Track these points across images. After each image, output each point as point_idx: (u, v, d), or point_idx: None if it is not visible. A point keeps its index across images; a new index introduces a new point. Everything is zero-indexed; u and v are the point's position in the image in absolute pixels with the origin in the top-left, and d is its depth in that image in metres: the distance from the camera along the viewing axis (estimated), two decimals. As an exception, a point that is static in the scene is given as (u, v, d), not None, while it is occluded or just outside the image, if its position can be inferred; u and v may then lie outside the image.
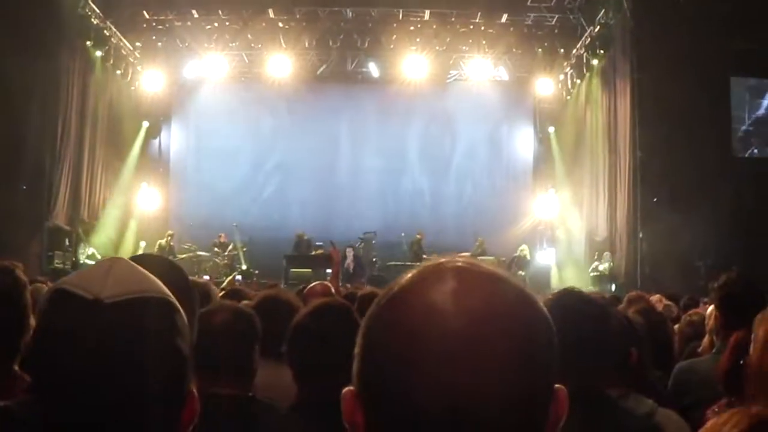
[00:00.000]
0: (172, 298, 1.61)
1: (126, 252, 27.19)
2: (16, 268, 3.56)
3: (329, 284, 7.52)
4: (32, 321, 3.31)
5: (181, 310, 1.62)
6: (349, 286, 18.53)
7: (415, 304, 1.22)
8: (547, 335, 1.25)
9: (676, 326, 6.89)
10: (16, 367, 3.26)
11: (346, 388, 1.28)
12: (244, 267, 26.88)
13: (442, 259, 1.32)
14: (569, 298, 3.25)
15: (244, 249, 27.54)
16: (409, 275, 1.30)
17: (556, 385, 1.26)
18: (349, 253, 25.03)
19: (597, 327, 3.16)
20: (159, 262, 1.97)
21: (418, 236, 27.20)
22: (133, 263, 1.63)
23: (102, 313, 1.48)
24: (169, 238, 26.86)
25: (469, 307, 1.20)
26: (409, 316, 1.21)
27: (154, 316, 1.55)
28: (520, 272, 25.68)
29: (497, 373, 1.18)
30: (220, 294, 6.52)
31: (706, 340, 5.44)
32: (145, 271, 1.62)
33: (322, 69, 29.81)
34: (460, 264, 1.29)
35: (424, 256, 26.59)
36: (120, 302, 1.51)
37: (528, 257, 26.98)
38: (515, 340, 1.20)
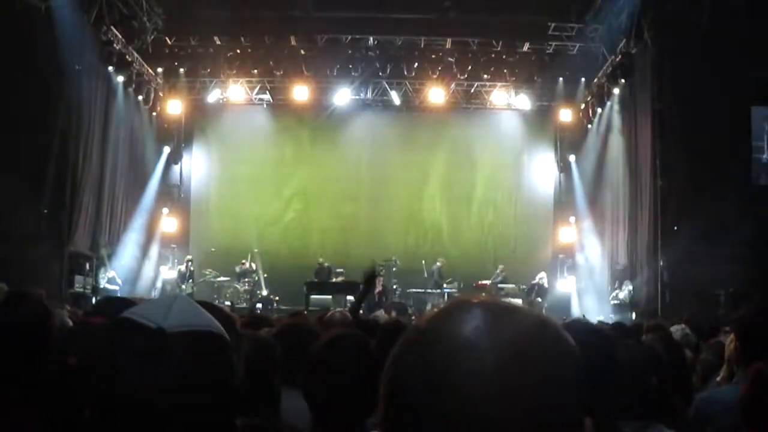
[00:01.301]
0: (227, 336, 1.66)
1: (146, 278, 27.33)
2: (41, 297, 3.59)
3: (348, 313, 7.48)
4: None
5: (233, 348, 1.68)
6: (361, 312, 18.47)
7: (446, 340, 1.19)
8: (576, 368, 1.23)
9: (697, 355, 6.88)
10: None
11: None
12: (264, 293, 26.92)
13: (464, 296, 1.31)
14: (575, 329, 3.24)
15: (265, 275, 27.60)
16: (434, 312, 1.27)
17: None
18: (378, 280, 24.93)
19: (603, 358, 3.14)
20: (207, 306, 2.03)
21: (438, 264, 27.19)
22: (192, 299, 1.69)
23: (165, 342, 1.53)
24: (189, 263, 26.93)
25: (502, 341, 1.17)
26: (441, 353, 1.17)
27: (212, 349, 1.61)
28: (539, 299, 25.69)
29: (534, 407, 1.15)
30: (241, 321, 6.51)
31: (724, 369, 5.41)
32: (202, 308, 1.68)
33: (343, 96, 29.88)
34: (483, 299, 1.26)
35: (445, 283, 26.58)
36: (182, 333, 1.56)
37: (546, 285, 26.91)
38: (548, 373, 1.18)
